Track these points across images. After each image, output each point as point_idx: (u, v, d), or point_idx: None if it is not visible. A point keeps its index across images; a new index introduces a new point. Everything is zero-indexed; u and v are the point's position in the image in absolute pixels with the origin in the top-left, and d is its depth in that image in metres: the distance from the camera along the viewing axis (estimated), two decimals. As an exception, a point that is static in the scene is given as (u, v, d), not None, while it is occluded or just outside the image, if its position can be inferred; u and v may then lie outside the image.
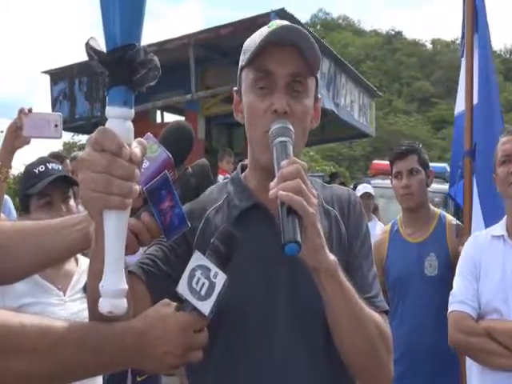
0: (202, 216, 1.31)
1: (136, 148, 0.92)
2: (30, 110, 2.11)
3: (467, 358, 2.30)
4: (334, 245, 1.28)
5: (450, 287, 2.83)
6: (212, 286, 1.02)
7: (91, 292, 1.04)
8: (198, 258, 1.04)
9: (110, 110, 0.91)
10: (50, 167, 2.16)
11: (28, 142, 2.17)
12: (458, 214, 3.03)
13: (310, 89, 1.29)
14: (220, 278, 1.02)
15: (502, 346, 2.02)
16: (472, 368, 2.22)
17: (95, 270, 1.00)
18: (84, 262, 2.24)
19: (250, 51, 1.26)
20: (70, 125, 9.74)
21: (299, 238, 1.01)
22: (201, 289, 1.01)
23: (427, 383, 2.72)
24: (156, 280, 1.20)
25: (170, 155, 1.11)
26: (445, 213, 3.10)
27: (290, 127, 1.19)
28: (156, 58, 0.92)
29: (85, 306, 2.10)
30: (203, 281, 1.02)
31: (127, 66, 0.88)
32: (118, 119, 0.91)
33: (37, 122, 2.09)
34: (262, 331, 1.23)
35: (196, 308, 1.01)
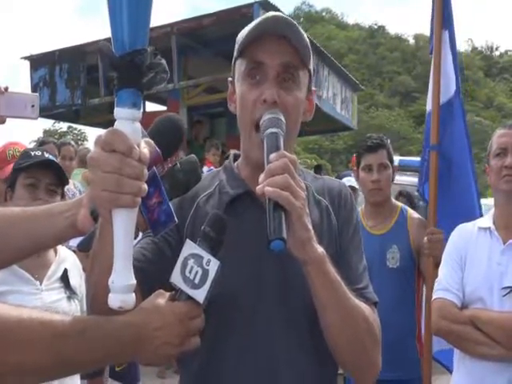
0: (192, 203, 1.32)
1: (145, 148, 0.95)
2: (5, 89, 2.05)
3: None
4: (323, 235, 1.28)
5: (412, 279, 2.90)
6: (205, 273, 1.02)
7: (97, 287, 1.04)
8: (189, 247, 1.04)
9: (119, 112, 0.93)
10: (46, 156, 2.16)
11: (3, 121, 2.13)
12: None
13: (301, 81, 1.29)
14: (213, 265, 1.02)
15: (484, 335, 2.05)
16: (455, 356, 2.26)
17: (103, 265, 0.99)
18: (63, 252, 2.23)
19: (241, 42, 1.27)
20: (50, 112, 9.58)
21: (284, 234, 1.00)
22: (194, 277, 1.01)
23: (388, 373, 2.75)
24: (146, 276, 1.16)
25: (159, 150, 1.09)
26: (406, 206, 3.14)
27: (282, 118, 1.18)
28: (164, 62, 0.94)
29: (61, 296, 2.11)
30: (196, 269, 1.02)
31: (136, 69, 0.91)
32: (128, 120, 0.93)
33: (13, 101, 2.04)
34: (249, 321, 1.23)
35: (191, 297, 1.02)
